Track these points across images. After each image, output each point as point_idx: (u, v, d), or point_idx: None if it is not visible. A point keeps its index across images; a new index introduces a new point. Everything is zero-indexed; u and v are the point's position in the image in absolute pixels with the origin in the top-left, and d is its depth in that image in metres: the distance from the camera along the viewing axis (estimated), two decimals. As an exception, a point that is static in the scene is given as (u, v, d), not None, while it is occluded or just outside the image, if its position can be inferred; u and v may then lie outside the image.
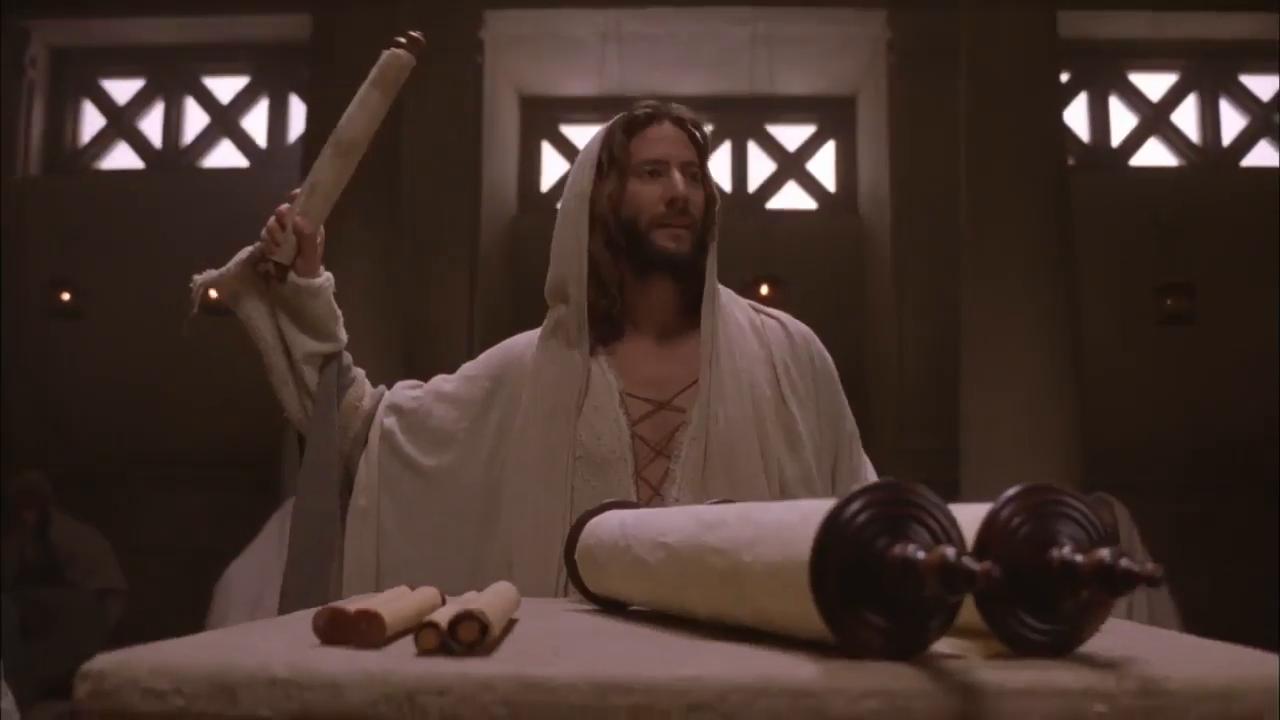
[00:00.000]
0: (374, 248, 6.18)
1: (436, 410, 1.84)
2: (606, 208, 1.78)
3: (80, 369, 7.52)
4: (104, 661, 0.86)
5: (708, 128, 1.88)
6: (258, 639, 0.97)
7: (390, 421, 1.85)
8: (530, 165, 8.71)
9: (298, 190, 1.87)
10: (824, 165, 8.68)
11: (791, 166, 8.65)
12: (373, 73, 1.90)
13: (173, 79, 8.33)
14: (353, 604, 0.96)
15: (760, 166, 8.67)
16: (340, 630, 0.93)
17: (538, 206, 8.49)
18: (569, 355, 1.76)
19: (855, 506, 0.85)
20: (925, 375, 7.02)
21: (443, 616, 0.90)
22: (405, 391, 1.89)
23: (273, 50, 8.11)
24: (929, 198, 7.12)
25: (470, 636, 0.88)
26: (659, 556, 1.14)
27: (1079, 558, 0.85)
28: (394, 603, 1.00)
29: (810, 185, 8.65)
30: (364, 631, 0.93)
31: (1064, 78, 7.92)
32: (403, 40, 1.90)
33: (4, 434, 7.08)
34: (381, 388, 1.91)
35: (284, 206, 1.84)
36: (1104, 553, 0.84)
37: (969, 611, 0.89)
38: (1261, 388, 7.11)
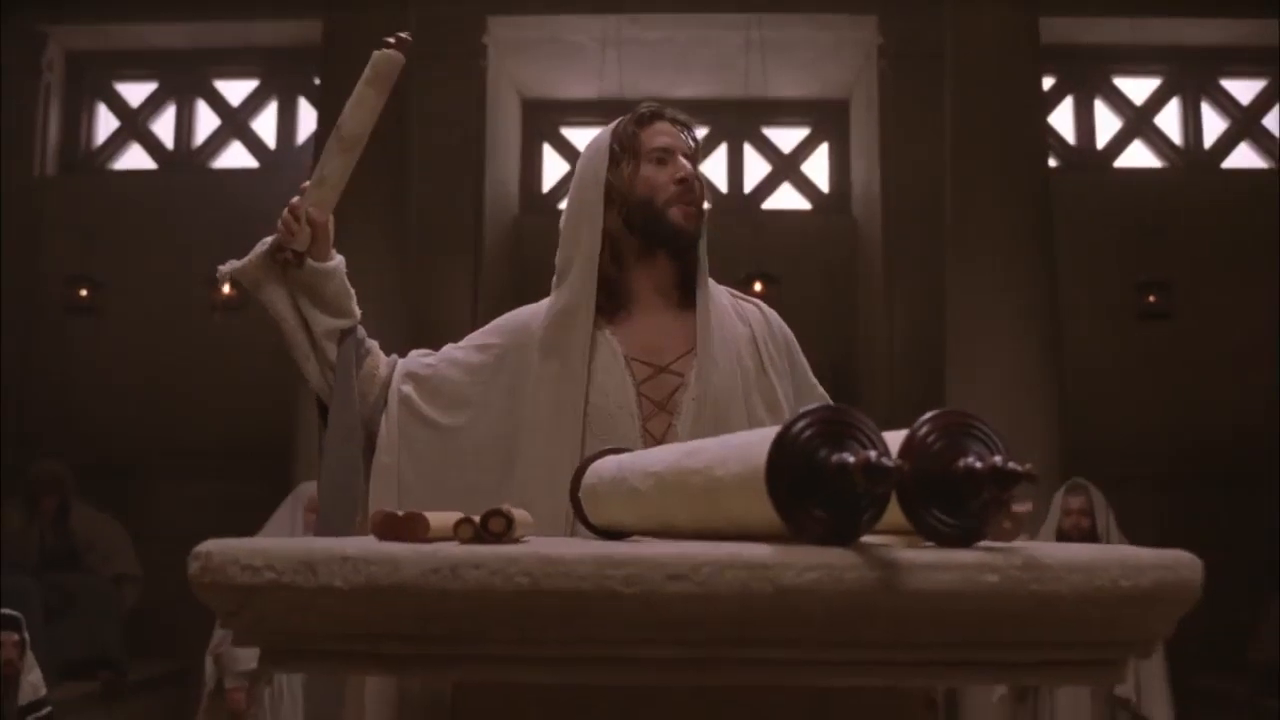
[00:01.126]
0: (381, 247, 6.40)
1: (450, 375, 2.05)
2: (624, 189, 2.01)
3: (96, 363, 7.74)
4: (210, 545, 1.09)
5: (700, 132, 2.11)
6: (329, 540, 1.20)
7: (407, 389, 2.06)
8: (532, 166, 8.94)
9: (307, 183, 2.06)
10: (818, 167, 8.91)
11: (786, 168, 8.88)
12: (366, 72, 2.06)
13: (184, 82, 8.54)
14: (401, 510, 1.19)
15: (755, 168, 8.90)
16: (393, 529, 1.16)
17: (539, 207, 8.71)
18: (577, 323, 1.99)
19: (801, 425, 1.08)
20: (913, 366, 7.23)
21: (475, 516, 1.13)
22: (419, 359, 2.10)
23: (281, 54, 8.33)
24: (918, 198, 7.32)
25: (499, 528, 1.11)
26: (649, 484, 1.37)
27: (978, 464, 1.08)
28: (433, 514, 1.23)
29: (804, 186, 8.88)
30: (411, 529, 1.16)
31: (1050, 82, 8.16)
32: (392, 40, 2.07)
33: (23, 426, 7.30)
34: (394, 356, 2.11)
35: (296, 199, 2.04)
36: (996, 459, 1.07)
37: (896, 514, 1.12)
38: (1238, 381, 7.35)
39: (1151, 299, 7.06)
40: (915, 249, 7.38)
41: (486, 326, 2.12)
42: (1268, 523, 6.89)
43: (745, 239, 7.41)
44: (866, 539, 1.11)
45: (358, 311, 2.07)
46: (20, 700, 4.75)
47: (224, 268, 2.05)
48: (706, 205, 2.08)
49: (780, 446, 1.08)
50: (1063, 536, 5.03)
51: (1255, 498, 7.07)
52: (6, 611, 4.65)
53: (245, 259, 2.04)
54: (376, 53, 2.05)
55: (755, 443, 1.14)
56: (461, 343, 2.12)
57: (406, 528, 1.15)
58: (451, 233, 7.66)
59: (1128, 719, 4.84)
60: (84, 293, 7.44)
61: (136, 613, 6.80)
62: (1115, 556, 1.07)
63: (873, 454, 1.03)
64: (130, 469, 7.45)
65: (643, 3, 7.76)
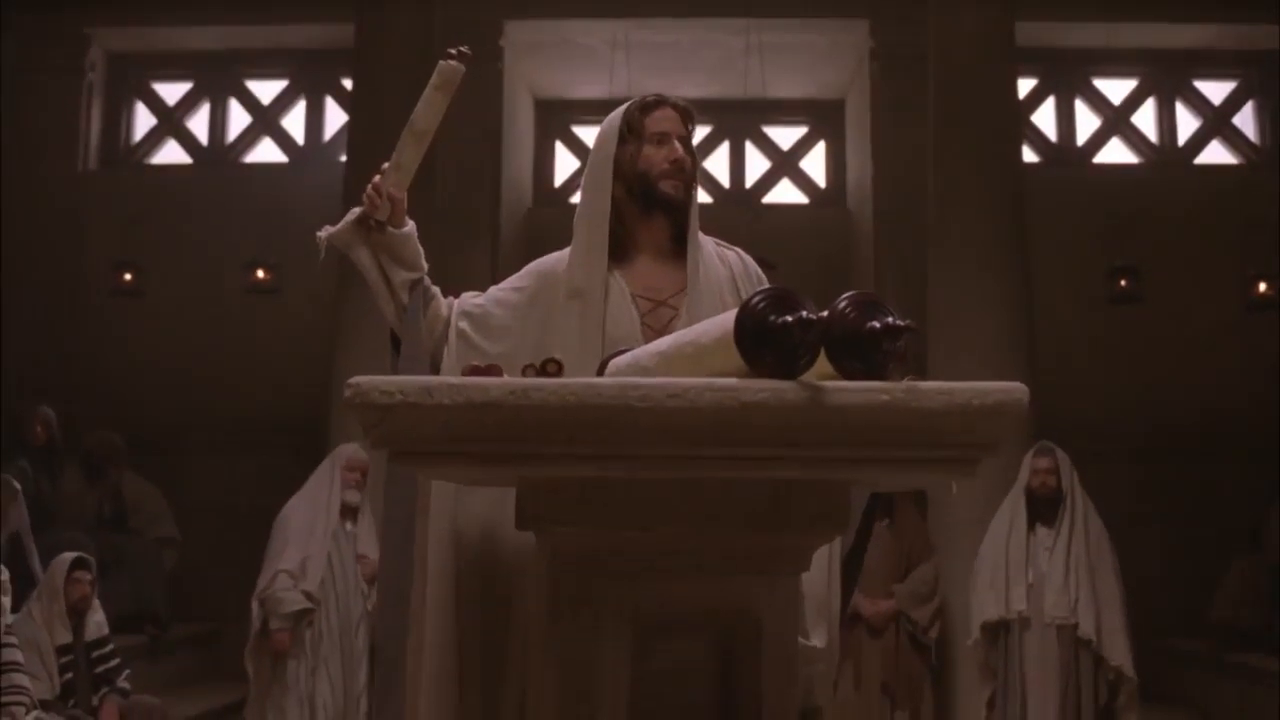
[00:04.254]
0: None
1: (495, 311, 2.56)
2: (628, 164, 2.52)
3: (138, 343, 8.22)
4: (360, 378, 1.60)
5: (704, 130, 2.61)
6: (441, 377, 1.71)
7: (464, 324, 2.56)
8: (544, 162, 9.42)
9: (386, 165, 2.55)
10: (815, 163, 9.41)
11: (785, 164, 9.38)
12: (434, 78, 2.54)
13: (218, 82, 9.03)
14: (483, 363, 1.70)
15: (756, 164, 9.39)
16: (478, 374, 1.67)
17: (551, 200, 9.21)
18: (594, 271, 2.49)
19: (757, 299, 1.60)
20: (900, 347, 7.71)
21: (536, 362, 1.64)
22: (471, 300, 2.60)
23: (310, 56, 8.82)
24: (906, 192, 7.76)
25: (553, 369, 1.63)
26: (655, 360, 1.88)
27: (878, 325, 1.59)
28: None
29: (802, 181, 9.38)
30: (491, 373, 1.67)
31: (1033, 83, 8.66)
32: (453, 53, 2.55)
33: (72, 401, 7.77)
34: (451, 298, 2.61)
35: (377, 178, 2.53)
36: (889, 319, 1.58)
37: (825, 366, 1.63)
38: (1205, 362, 7.86)
39: (1123, 284, 7.56)
40: (903, 239, 7.82)
41: (521, 271, 2.63)
42: (1231, 494, 7.40)
43: (746, 230, 7.84)
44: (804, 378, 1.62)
45: (426, 265, 2.56)
46: (85, 637, 5.27)
47: (321, 233, 2.52)
48: (704, 194, 2.59)
49: (743, 313, 1.60)
50: (1031, 494, 5.51)
51: (1219, 470, 7.57)
52: (82, 554, 5.18)
53: (338, 226, 2.51)
54: (442, 63, 2.53)
55: (727, 316, 1.67)
56: (502, 284, 2.62)
57: (488, 373, 1.66)
58: (470, 223, 8.10)
59: (1089, 657, 5.31)
60: (128, 276, 7.94)
61: (172, 577, 7.26)
62: (970, 385, 1.59)
63: (803, 313, 1.55)
64: (168, 443, 7.86)
65: (650, 7, 8.23)
